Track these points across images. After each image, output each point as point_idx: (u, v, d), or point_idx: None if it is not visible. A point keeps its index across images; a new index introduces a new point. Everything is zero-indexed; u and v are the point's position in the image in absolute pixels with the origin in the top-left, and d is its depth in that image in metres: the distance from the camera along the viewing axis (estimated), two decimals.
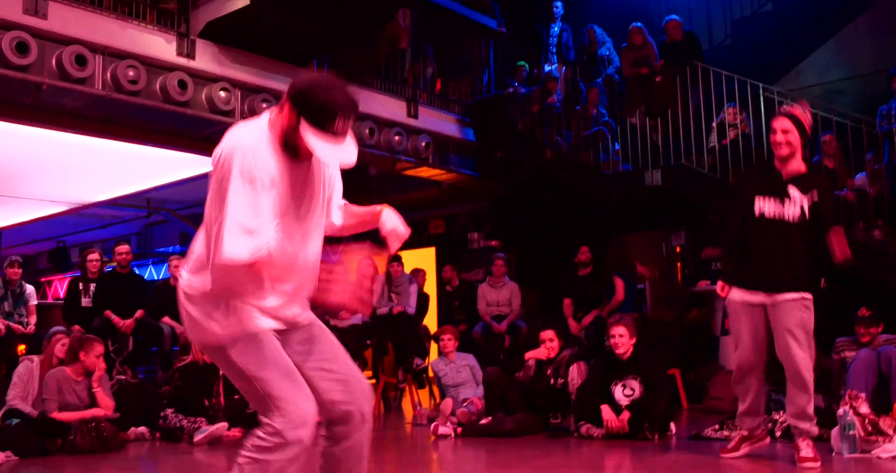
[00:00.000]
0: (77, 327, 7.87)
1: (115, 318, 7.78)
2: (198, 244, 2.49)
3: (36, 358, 6.38)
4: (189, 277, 2.48)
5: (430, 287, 10.12)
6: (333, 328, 8.43)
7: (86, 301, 8.17)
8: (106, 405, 6.05)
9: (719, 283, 4.80)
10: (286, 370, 2.39)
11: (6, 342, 7.58)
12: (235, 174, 2.27)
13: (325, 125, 2.29)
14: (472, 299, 9.12)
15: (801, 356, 4.43)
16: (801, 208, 4.50)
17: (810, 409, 4.49)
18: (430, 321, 9.84)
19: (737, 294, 4.64)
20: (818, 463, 4.34)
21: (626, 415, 5.61)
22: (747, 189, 4.72)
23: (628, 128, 9.87)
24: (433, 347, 8.41)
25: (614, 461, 4.87)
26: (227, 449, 5.82)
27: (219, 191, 2.30)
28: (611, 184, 9.71)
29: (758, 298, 4.56)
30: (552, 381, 6.29)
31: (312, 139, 2.28)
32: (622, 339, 5.87)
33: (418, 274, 9.51)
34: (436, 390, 7.95)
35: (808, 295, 4.49)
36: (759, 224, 4.57)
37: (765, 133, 8.42)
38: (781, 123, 4.58)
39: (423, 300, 9.28)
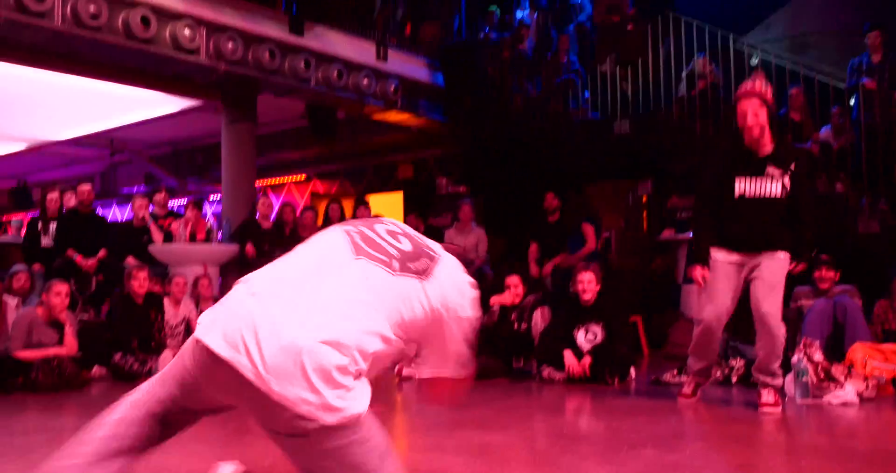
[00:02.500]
0: (37, 266, 7.79)
1: (77, 257, 7.71)
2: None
3: None
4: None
5: None
6: None
7: (46, 241, 8.07)
8: (70, 346, 6.03)
9: (697, 269, 4.70)
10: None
11: None
12: None
13: None
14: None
15: (772, 307, 4.49)
16: (782, 183, 4.49)
17: (775, 366, 4.56)
18: None
19: (719, 254, 4.64)
20: (778, 408, 4.45)
21: (587, 360, 5.70)
22: (721, 168, 4.65)
23: (598, 76, 9.84)
24: None
25: (574, 403, 4.97)
26: None
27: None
28: (579, 132, 9.71)
29: (739, 258, 4.58)
30: (516, 326, 6.36)
31: None
32: (589, 285, 5.93)
33: None
34: None
35: (787, 255, 4.54)
36: (739, 204, 4.54)
37: (734, 84, 8.46)
38: (751, 105, 4.47)
39: None
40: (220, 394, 2.00)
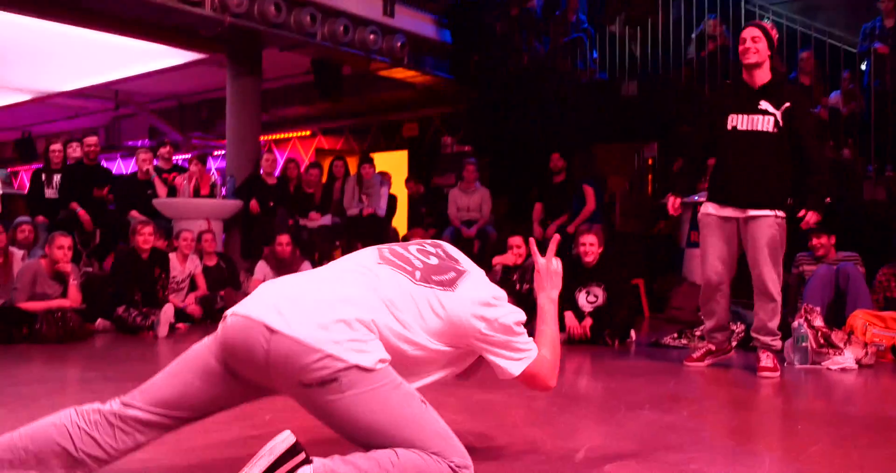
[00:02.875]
0: (41, 218, 7.81)
1: (80, 211, 7.72)
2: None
3: None
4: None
5: (400, 189, 10.11)
6: (303, 228, 8.45)
7: (50, 192, 8.08)
8: (74, 298, 6.06)
9: (669, 198, 4.82)
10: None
11: None
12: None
13: None
14: (442, 203, 9.14)
15: (770, 273, 4.49)
16: (775, 119, 4.48)
17: (773, 324, 4.58)
18: (400, 223, 9.86)
19: (710, 208, 4.64)
20: (777, 373, 4.47)
21: (588, 321, 5.73)
22: (718, 106, 4.68)
23: (607, 36, 9.74)
24: None
25: (574, 364, 5.00)
26: (185, 340, 5.90)
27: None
28: (586, 93, 9.63)
29: (730, 212, 4.58)
30: (518, 286, 6.38)
31: None
32: (591, 247, 5.93)
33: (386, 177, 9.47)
34: None
35: (782, 213, 4.52)
36: (731, 138, 4.55)
37: None
38: (750, 32, 4.53)
39: (391, 201, 9.28)
40: (246, 369, 2.02)
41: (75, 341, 5.76)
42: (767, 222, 4.48)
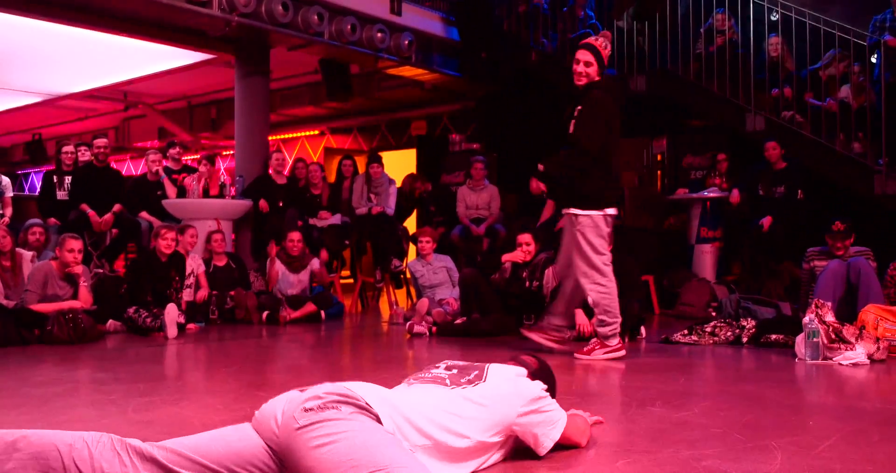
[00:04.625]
0: (52, 220, 7.84)
1: (91, 212, 7.74)
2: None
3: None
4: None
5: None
6: (313, 227, 8.47)
7: (61, 194, 8.11)
8: (84, 299, 6.09)
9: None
10: None
11: None
12: None
13: None
14: (451, 201, 9.13)
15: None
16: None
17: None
18: (409, 222, 9.87)
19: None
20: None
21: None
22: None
23: (615, 31, 9.69)
24: (412, 249, 8.47)
25: (584, 361, 4.98)
26: (196, 340, 5.95)
27: None
28: None
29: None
30: (527, 283, 6.37)
31: None
32: None
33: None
34: (413, 290, 8.04)
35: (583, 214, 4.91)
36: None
37: (753, 41, 8.33)
38: (583, 55, 4.95)
39: (402, 201, 9.28)
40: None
41: (87, 342, 5.79)
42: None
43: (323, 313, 7.30)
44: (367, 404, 2.08)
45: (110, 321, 6.39)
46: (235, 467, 2.07)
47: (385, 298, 8.94)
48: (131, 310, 6.30)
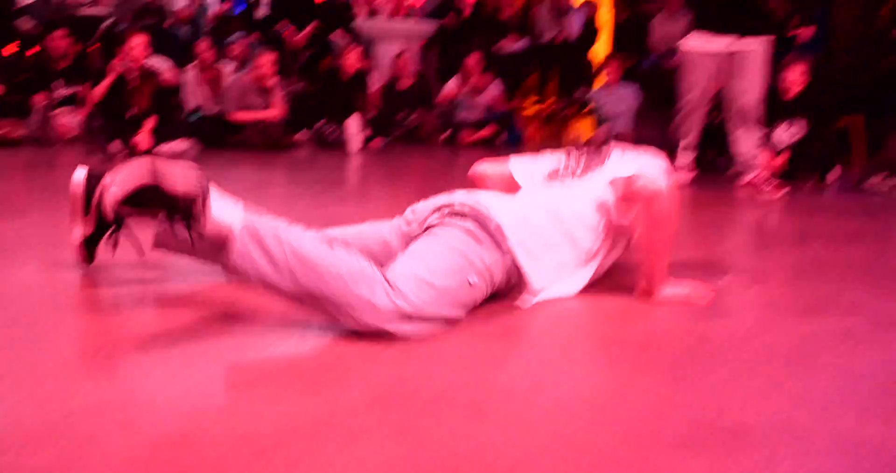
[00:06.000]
0: (254, 35, 8.20)
1: (286, 31, 8.01)
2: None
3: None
4: None
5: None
6: (495, 54, 8.35)
7: (263, 11, 8.42)
8: (277, 109, 6.46)
9: None
10: None
11: None
12: None
13: None
14: (645, 30, 8.68)
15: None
16: None
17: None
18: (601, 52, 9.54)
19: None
20: None
21: (784, 156, 5.45)
22: None
23: None
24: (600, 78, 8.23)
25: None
26: (376, 155, 6.26)
27: None
28: None
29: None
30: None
31: None
32: (792, 85, 5.55)
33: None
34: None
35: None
36: None
37: None
38: None
39: (590, 29, 8.94)
40: None
41: (278, 150, 6.21)
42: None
43: (504, 135, 7.31)
44: (490, 215, 2.17)
45: (302, 131, 6.77)
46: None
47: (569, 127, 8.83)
48: (320, 123, 6.64)
